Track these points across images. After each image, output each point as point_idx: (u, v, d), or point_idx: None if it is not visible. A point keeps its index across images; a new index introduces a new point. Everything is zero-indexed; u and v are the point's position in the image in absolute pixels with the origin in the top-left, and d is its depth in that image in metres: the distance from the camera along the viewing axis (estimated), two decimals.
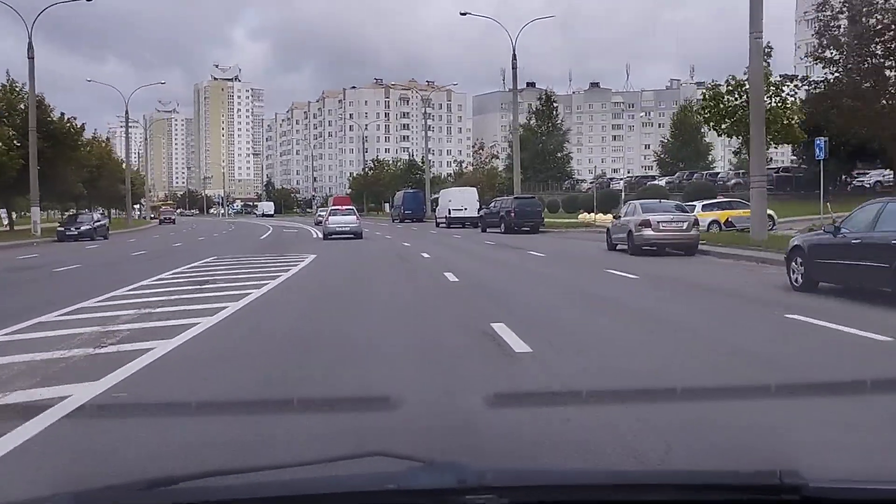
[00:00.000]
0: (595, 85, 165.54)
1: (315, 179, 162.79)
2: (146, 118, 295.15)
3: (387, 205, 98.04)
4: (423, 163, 77.40)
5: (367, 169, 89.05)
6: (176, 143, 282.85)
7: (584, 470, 3.03)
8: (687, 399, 5.24)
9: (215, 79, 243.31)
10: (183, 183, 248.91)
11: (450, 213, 45.71)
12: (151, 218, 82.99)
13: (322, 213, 66.08)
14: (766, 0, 20.28)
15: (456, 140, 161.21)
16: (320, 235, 37.19)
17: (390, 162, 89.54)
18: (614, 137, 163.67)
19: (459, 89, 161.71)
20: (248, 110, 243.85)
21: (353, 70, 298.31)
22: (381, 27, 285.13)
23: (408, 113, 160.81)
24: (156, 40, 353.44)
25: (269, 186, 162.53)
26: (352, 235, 32.37)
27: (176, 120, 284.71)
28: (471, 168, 67.32)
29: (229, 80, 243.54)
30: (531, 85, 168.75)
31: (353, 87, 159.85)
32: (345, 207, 37.98)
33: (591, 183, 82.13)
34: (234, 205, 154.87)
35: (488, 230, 38.40)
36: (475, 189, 47.74)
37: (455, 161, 67.03)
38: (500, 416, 4.88)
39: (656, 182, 56.68)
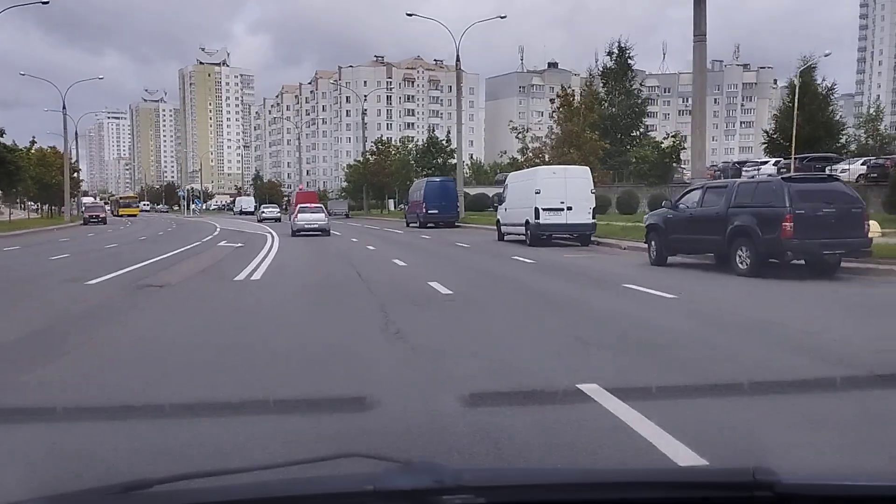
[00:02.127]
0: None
1: (307, 172, 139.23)
2: (132, 108, 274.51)
3: (391, 201, 74.92)
4: (448, 141, 53.76)
5: (367, 154, 65.66)
6: (164, 135, 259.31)
7: (561, 469, 2.94)
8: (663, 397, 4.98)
9: (201, 63, 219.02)
10: (173, 177, 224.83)
11: (538, 215, 22.25)
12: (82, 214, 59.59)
13: (266, 211, 56.04)
14: None
15: (468, 129, 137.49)
16: (265, 262, 18.45)
17: (398, 143, 65.55)
18: (647, 127, 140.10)
19: (471, 71, 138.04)
20: (237, 98, 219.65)
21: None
22: (383, 19, 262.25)
23: (413, 96, 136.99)
24: (155, 34, 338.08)
25: (257, 180, 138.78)
26: (319, 232, 31.57)
27: (164, 110, 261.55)
28: (545, 137, 42.86)
29: (216, 66, 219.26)
30: (553, 65, 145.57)
31: (351, 67, 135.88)
32: (313, 205, 35.93)
33: (709, 168, 59.32)
34: (213, 200, 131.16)
35: (672, 259, 15.11)
36: (587, 170, 24.18)
37: (514, 130, 41.65)
38: (476, 416, 4.51)
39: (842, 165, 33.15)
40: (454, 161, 52.22)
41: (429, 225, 38.51)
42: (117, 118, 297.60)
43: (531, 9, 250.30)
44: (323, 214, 32.69)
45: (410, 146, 62.96)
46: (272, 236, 32.22)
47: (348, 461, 1.85)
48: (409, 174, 58.31)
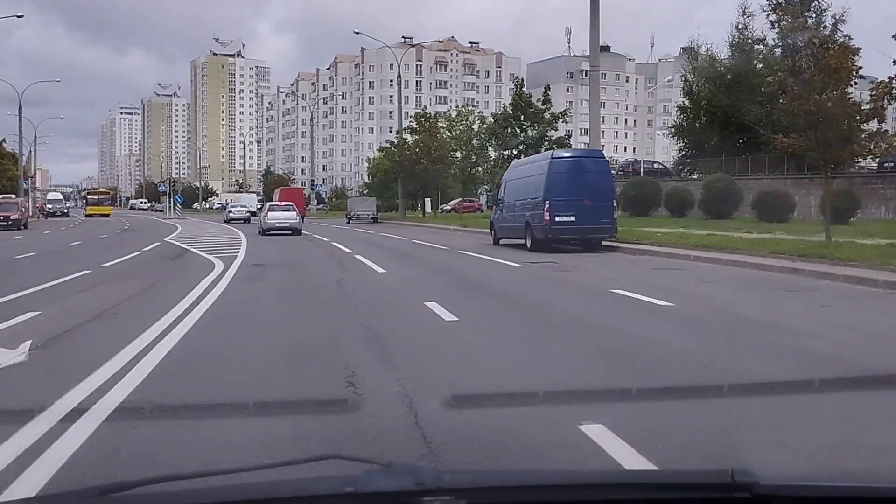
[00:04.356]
0: (687, 50, 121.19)
1: (324, 168, 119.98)
2: (144, 103, 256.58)
3: (428, 200, 55.20)
4: (547, 102, 33.50)
5: (404, 131, 45.82)
6: (176, 130, 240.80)
7: (541, 471, 2.90)
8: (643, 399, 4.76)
9: (214, 54, 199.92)
10: (185, 174, 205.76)
11: None
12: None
13: (233, 209, 50.71)
14: None
15: None
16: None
17: (454, 113, 44.55)
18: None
19: (512, 54, 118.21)
20: (251, 91, 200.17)
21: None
22: (413, 21, 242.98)
23: (445, 82, 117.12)
24: (179, 33, 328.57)
25: (268, 176, 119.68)
26: (290, 232, 28.91)
27: (177, 105, 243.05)
28: None
29: (230, 57, 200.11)
30: (605, 49, 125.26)
31: (375, 49, 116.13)
32: (284, 203, 33.80)
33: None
34: (216, 198, 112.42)
35: None
36: None
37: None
38: (458, 418, 4.33)
39: None
40: (557, 133, 32.36)
41: (553, 245, 18.86)
42: (130, 114, 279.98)
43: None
44: (294, 213, 31.04)
45: (472, 118, 42.36)
46: (219, 271, 12.78)
47: (329, 463, 1.82)
48: (470, 158, 38.61)
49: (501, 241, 22.19)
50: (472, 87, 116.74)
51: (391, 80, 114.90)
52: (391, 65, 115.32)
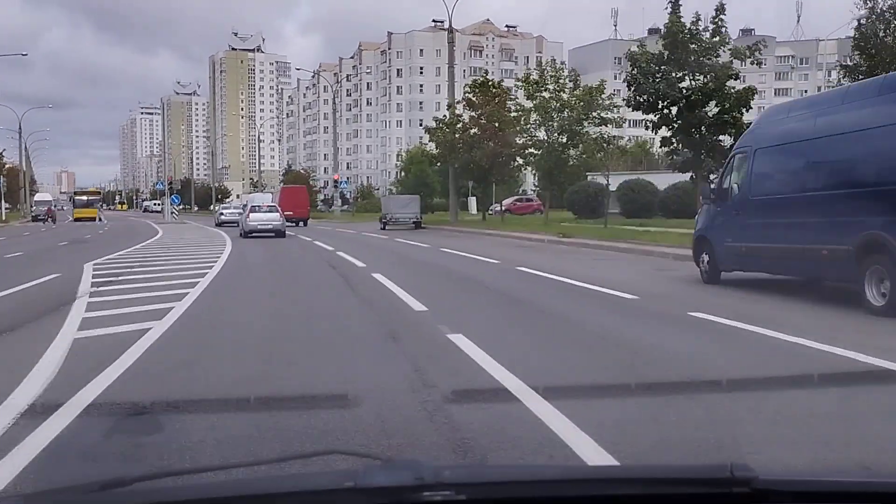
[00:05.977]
0: (748, 32, 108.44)
1: (348, 166, 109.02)
2: (164, 102, 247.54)
3: (473, 199, 43.99)
4: (713, 34, 20.80)
5: (460, 105, 34.53)
6: (196, 129, 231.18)
7: (540, 466, 2.90)
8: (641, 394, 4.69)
9: (233, 49, 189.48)
10: (204, 174, 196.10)
11: None
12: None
13: (226, 212, 49.51)
14: None
15: None
16: None
17: (536, 75, 31.46)
18: None
19: (554, 38, 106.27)
20: (272, 88, 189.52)
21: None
22: (441, 13, 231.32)
23: (480, 69, 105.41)
24: (205, 35, 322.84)
25: (288, 174, 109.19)
26: (273, 234, 27.96)
27: (197, 103, 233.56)
28: None
29: (250, 52, 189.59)
30: (655, 31, 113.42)
31: (403, 34, 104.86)
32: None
33: None
34: (231, 199, 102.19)
35: None
36: None
37: None
38: (457, 413, 4.21)
39: None
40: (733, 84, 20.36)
41: None
42: (150, 114, 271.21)
43: None
44: (277, 214, 29.58)
45: (563, 79, 29.46)
46: None
47: (330, 458, 1.78)
48: (560, 137, 27.17)
49: (724, 276, 10.71)
50: (509, 74, 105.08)
51: (421, 67, 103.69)
52: (421, 50, 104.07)
